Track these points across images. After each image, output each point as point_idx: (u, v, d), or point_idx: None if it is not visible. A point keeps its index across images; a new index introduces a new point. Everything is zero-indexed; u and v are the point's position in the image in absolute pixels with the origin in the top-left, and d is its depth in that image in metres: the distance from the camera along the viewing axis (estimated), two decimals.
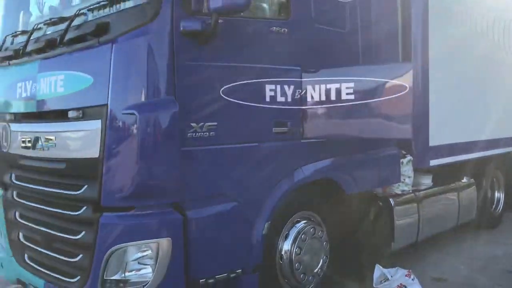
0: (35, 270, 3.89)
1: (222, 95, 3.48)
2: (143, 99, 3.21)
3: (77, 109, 3.41)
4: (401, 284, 4.53)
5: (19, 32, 4.19)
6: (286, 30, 3.85)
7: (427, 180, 5.52)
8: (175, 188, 3.29)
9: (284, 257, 4.01)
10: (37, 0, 4.28)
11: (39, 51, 3.76)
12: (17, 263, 4.10)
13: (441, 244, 5.99)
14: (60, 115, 3.55)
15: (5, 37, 4.32)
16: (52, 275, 3.69)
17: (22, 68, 4.02)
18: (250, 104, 3.66)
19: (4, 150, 4.25)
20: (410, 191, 5.22)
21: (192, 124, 3.34)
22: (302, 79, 3.97)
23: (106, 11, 3.38)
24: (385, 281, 4.63)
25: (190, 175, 3.34)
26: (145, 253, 3.26)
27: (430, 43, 4.97)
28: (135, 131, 3.14)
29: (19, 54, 3.97)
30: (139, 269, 3.28)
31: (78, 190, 3.44)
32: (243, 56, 3.64)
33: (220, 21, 3.32)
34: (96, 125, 3.28)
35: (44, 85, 3.69)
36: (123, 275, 3.27)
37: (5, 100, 4.31)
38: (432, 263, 5.49)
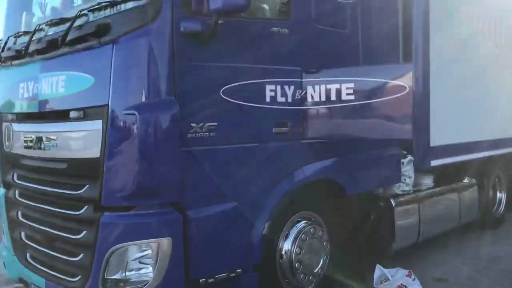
0: (37, 269, 3.91)
1: (222, 96, 3.50)
2: (143, 99, 3.23)
3: (78, 109, 3.43)
4: (401, 284, 4.53)
5: (21, 33, 4.21)
6: (286, 30, 3.85)
7: (428, 181, 5.52)
8: (175, 188, 3.30)
9: (284, 257, 4.02)
10: (39, 1, 4.31)
11: (41, 51, 3.78)
12: (19, 262, 4.14)
13: (442, 244, 5.98)
14: (62, 115, 3.57)
15: (8, 38, 4.34)
16: (54, 274, 3.72)
17: (24, 68, 4.05)
18: (250, 104, 3.67)
19: (7, 150, 4.29)
20: (411, 192, 5.22)
21: (192, 124, 3.35)
22: (303, 80, 3.98)
23: (107, 12, 3.39)
24: (385, 281, 4.63)
25: (190, 175, 3.36)
26: (145, 253, 3.28)
27: (431, 44, 4.97)
28: (135, 131, 3.16)
29: (21, 54, 3.99)
30: (140, 269, 3.30)
31: (79, 190, 3.47)
32: (243, 56, 3.65)
33: (220, 21, 3.33)
34: (97, 125, 3.30)
35: (45, 85, 3.72)
36: (124, 274, 3.29)
37: (8, 100, 4.34)
38: (433, 263, 5.48)
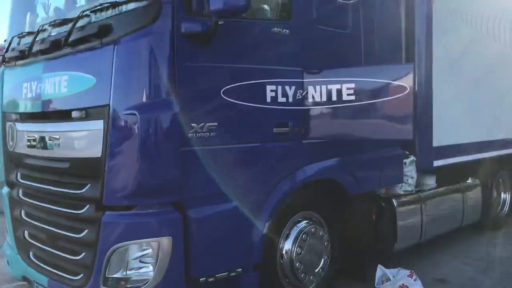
0: (40, 268, 3.95)
1: (223, 96, 3.51)
2: (144, 99, 3.25)
3: (80, 109, 3.46)
4: (403, 284, 4.52)
5: (25, 33, 4.25)
6: (287, 31, 3.86)
7: (430, 181, 5.49)
8: (175, 187, 3.33)
9: (285, 257, 4.03)
10: (43, 2, 4.35)
11: (44, 52, 3.82)
12: (23, 261, 4.18)
13: (444, 245, 5.97)
14: (64, 115, 3.60)
15: (12, 38, 4.39)
16: (56, 273, 3.75)
17: (28, 68, 4.09)
18: (251, 104, 3.68)
19: (10, 150, 4.33)
20: (413, 192, 5.21)
21: (192, 124, 3.37)
22: (304, 80, 3.98)
23: (109, 13, 3.42)
24: (387, 282, 4.63)
25: (190, 174, 3.38)
26: (145, 252, 3.30)
27: (434, 45, 4.97)
28: (136, 131, 3.18)
29: (25, 54, 4.03)
30: (140, 268, 3.33)
31: (81, 189, 3.50)
32: (244, 57, 3.66)
33: (221, 22, 3.34)
34: (98, 125, 3.33)
35: (48, 85, 3.75)
36: (125, 273, 3.32)
37: (12, 100, 4.38)
38: (435, 264, 5.47)
